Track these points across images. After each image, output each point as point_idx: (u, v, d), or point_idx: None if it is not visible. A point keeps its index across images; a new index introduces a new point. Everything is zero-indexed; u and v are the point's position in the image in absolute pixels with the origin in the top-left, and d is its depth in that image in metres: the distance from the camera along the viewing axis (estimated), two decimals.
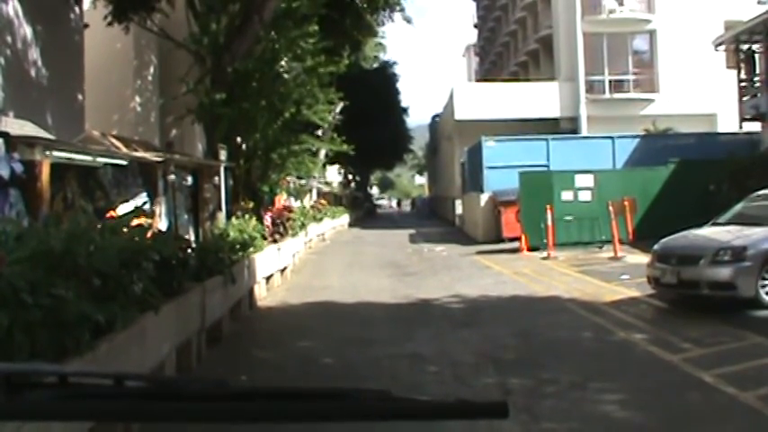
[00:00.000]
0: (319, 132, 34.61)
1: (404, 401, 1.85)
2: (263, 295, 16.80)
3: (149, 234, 8.66)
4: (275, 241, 19.40)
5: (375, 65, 62.28)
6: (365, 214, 70.55)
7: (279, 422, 1.76)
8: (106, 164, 12.99)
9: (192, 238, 15.68)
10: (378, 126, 58.22)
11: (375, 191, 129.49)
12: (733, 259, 12.58)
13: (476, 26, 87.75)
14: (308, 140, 21.94)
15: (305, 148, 22.03)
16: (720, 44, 31.36)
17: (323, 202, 40.42)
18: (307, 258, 26.59)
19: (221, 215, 17.88)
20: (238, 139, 20.47)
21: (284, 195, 27.59)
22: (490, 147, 31.34)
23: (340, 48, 26.73)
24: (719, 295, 12.77)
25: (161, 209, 14.89)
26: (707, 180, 23.94)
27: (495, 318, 13.35)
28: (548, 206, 23.71)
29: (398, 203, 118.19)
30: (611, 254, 21.93)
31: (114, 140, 16.19)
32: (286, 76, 20.71)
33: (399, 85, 72.51)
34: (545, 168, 29.46)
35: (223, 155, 18.81)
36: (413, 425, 1.80)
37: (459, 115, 43.76)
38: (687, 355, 9.60)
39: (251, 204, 20.13)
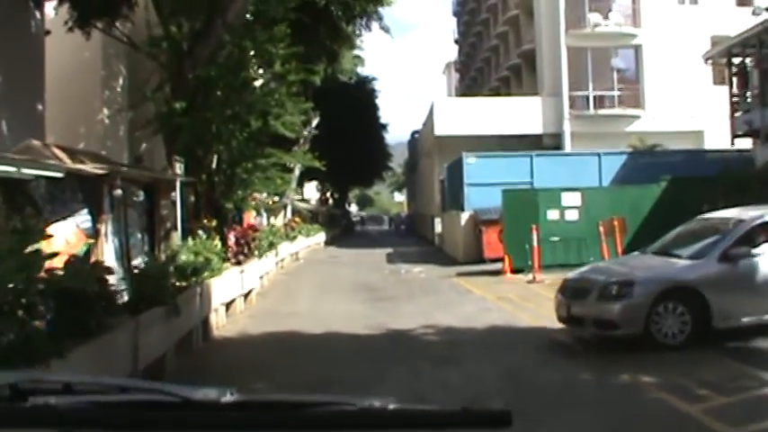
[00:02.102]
0: (296, 148, 33.42)
1: (407, 410, 1.93)
2: (222, 323, 15.25)
3: (64, 261, 7.08)
4: (239, 263, 17.84)
5: (353, 79, 60.98)
6: (343, 232, 69.15)
7: (282, 430, 1.86)
8: (38, 176, 11.38)
9: (142, 261, 14.05)
10: (356, 142, 57.28)
11: (354, 208, 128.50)
12: (618, 295, 11.67)
13: (456, 42, 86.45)
14: (276, 154, 20.33)
15: (272, 162, 20.44)
16: (711, 58, 30.10)
17: (296, 219, 38.82)
18: (277, 279, 25.06)
19: (176, 235, 16.27)
20: (200, 152, 18.90)
21: (253, 213, 25.98)
22: (471, 163, 30.03)
23: (315, 58, 25.47)
24: (604, 334, 11.84)
25: (106, 228, 13.26)
26: (701, 198, 22.53)
27: (478, 353, 11.83)
28: (533, 226, 22.30)
29: (361, 221, 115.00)
30: None
31: (57, 151, 14.53)
32: (255, 84, 19.15)
33: (379, 102, 71.05)
34: (529, 186, 28.28)
35: (180, 168, 17.25)
36: None
37: (438, 131, 42.33)
38: (709, 406, 8.12)
39: (213, 223, 18.57)
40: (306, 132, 44.69)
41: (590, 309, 11.81)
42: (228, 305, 15.99)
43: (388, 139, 72.77)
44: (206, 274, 13.71)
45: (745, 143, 29.07)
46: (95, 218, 13.08)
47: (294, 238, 33.95)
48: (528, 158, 30.23)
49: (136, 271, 11.89)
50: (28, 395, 1.93)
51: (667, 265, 12.54)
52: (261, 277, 21.97)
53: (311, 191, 75.99)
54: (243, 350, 13.24)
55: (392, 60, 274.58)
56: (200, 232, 17.64)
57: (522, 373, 10.35)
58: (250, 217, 24.85)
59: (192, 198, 18.74)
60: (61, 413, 1.90)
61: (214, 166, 19.47)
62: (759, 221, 12.46)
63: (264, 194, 29.18)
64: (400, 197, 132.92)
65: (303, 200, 66.89)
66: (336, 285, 23.31)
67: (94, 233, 12.81)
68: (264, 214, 31.68)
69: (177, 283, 12.01)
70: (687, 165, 28.49)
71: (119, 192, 13.42)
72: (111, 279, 8.77)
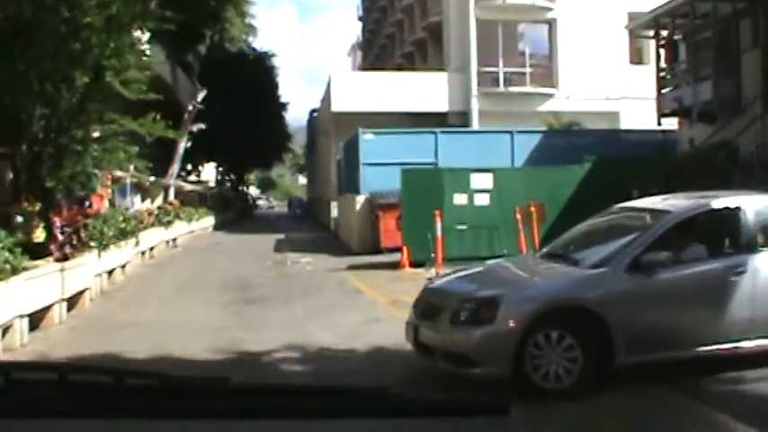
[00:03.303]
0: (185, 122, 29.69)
1: (404, 399, 1.95)
2: (25, 341, 11.42)
3: None
4: (65, 257, 13.95)
5: (250, 53, 57.28)
6: (238, 216, 65.35)
7: (280, 419, 1.85)
8: None
9: None
10: (254, 121, 53.58)
11: (254, 191, 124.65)
12: (475, 319, 8.11)
13: (360, 19, 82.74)
14: (118, 120, 16.29)
15: (114, 130, 16.45)
16: (634, 29, 27.22)
17: (174, 202, 34.66)
18: (136, 274, 21.18)
19: None
20: (23, 117, 14.92)
21: (108, 194, 21.96)
22: (368, 140, 26.68)
23: (201, 24, 22.07)
24: (459, 373, 8.10)
25: None
26: (630, 182, 19.64)
27: None
28: (436, 212, 18.93)
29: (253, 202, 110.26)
30: None
31: None
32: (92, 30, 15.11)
33: (281, 81, 67.29)
34: (433, 166, 24.98)
35: None
36: None
37: (336, 107, 38.65)
38: None
39: (37, 206, 14.65)
40: (190, 107, 40.93)
41: (441, 335, 8.36)
42: (37, 315, 12.15)
43: (293, 123, 69.46)
44: None
45: (671, 123, 26.36)
46: None
47: (169, 223, 29.97)
48: (432, 136, 27.03)
49: None
50: (22, 384, 1.91)
51: (554, 276, 9.15)
52: (110, 272, 18.17)
53: (213, 173, 72.30)
54: None
55: (299, 44, 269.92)
56: (19, 218, 13.83)
57: None
58: (103, 200, 20.78)
59: (11, 175, 14.79)
60: (56, 402, 1.87)
61: (42, 135, 15.48)
62: (690, 215, 9.11)
63: (134, 172, 25.28)
64: (304, 180, 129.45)
65: (200, 181, 63.29)
66: (204, 281, 19.64)
67: None
68: (131, 196, 27.61)
69: None
70: (608, 145, 25.81)
71: None
72: None
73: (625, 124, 35.15)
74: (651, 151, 21.92)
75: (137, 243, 21.92)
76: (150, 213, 27.47)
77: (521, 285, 9.08)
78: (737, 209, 8.88)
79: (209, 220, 45.30)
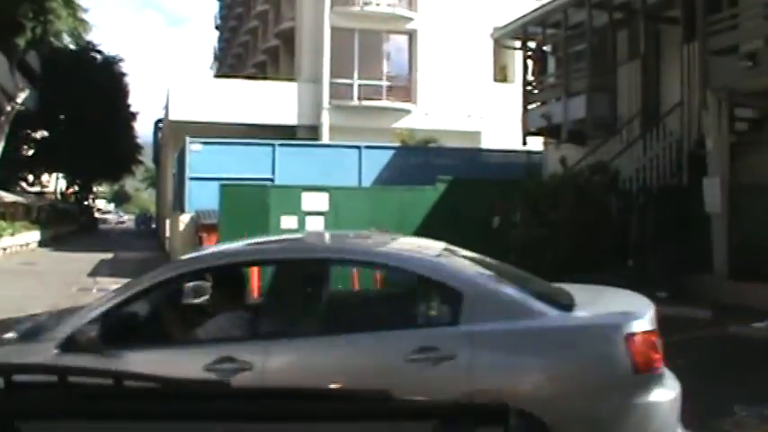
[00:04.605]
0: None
1: (404, 402, 2.03)
2: None
3: None
4: None
5: (95, 52, 53.52)
6: (80, 230, 60.92)
7: (280, 421, 1.89)
8: None
9: None
10: (100, 129, 49.87)
11: (104, 204, 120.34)
12: None
13: (218, 28, 78.68)
14: None
15: None
16: (500, 38, 24.56)
17: None
18: None
19: None
20: None
21: None
22: (196, 151, 23.42)
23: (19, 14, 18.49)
24: None
25: None
26: (492, 207, 16.84)
27: None
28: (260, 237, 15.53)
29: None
30: None
31: None
32: None
33: (131, 88, 63.23)
34: (270, 183, 21.83)
35: None
36: None
37: (174, 115, 35.01)
38: None
39: None
40: (9, 108, 36.47)
41: None
42: None
43: (149, 135, 65.21)
44: None
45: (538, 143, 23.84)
46: None
47: None
48: (270, 148, 23.87)
49: None
50: (23, 385, 1.90)
51: None
52: None
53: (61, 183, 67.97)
54: None
55: (165, 53, 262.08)
56: None
57: None
58: None
59: None
60: (56, 404, 1.87)
61: None
62: (183, 270, 5.96)
63: None
64: None
65: (42, 192, 59.36)
66: None
67: None
68: None
69: None
70: (469, 166, 24.06)
71: None
72: None
73: (487, 145, 32.67)
74: (516, 173, 19.31)
75: None
76: None
77: None
78: None
79: (32, 236, 41.38)
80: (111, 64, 57.49)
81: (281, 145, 24.34)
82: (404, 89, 36.38)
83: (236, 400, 1.98)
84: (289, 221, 17.04)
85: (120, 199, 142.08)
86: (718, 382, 8.96)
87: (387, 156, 24.53)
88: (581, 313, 5.45)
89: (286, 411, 1.89)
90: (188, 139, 23.78)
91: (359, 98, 35.70)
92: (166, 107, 40.79)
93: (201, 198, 22.24)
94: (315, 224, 17.08)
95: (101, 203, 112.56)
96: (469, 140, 33.34)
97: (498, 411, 1.90)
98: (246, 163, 22.94)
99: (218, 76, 62.59)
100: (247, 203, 17.27)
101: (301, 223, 17.15)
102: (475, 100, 35.23)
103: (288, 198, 17.44)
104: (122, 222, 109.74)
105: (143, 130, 66.92)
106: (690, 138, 17.28)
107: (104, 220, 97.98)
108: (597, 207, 15.26)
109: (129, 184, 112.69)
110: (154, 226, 67.32)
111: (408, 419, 1.90)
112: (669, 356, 5.54)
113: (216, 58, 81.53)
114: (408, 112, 35.36)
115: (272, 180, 22.73)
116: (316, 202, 17.38)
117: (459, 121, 34.68)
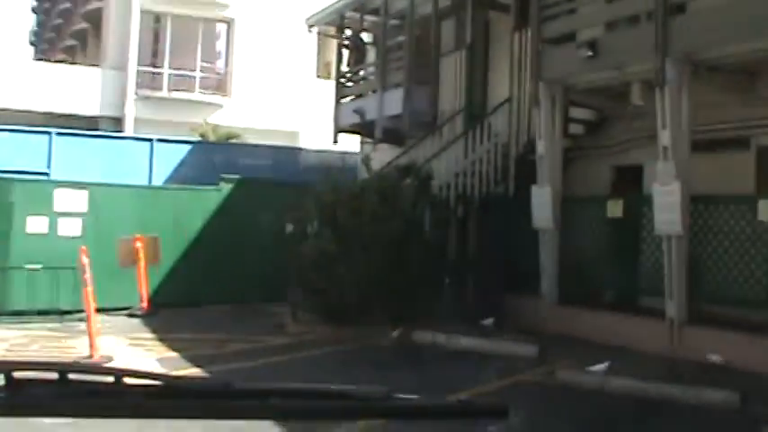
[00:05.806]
0: None
1: (406, 401, 1.86)
2: None
3: None
4: None
5: None
6: None
7: (281, 420, 1.89)
8: None
9: None
10: None
11: None
12: None
13: (34, 11, 72.87)
14: None
15: None
16: (316, 24, 22.21)
17: None
18: None
19: None
20: None
21: None
22: None
23: None
24: None
25: None
26: (286, 214, 14.28)
27: None
28: None
29: None
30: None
31: None
32: None
33: None
34: (46, 177, 18.78)
35: None
36: None
37: None
38: None
39: None
40: None
41: None
42: None
43: None
44: None
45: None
46: None
47: None
48: (46, 137, 20.51)
49: None
50: (24, 383, 1.81)
51: None
52: None
53: None
54: None
55: None
56: None
57: None
58: None
59: None
60: (57, 402, 1.80)
61: None
62: None
63: None
64: None
65: None
66: None
67: None
68: None
69: None
70: (281, 166, 21.95)
71: None
72: None
73: (306, 145, 30.13)
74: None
75: None
76: None
77: None
78: None
79: None
80: None
81: (60, 134, 21.06)
82: (219, 82, 33.61)
83: (235, 398, 1.77)
84: (37, 224, 13.99)
85: None
86: None
87: (184, 151, 21.74)
88: None
89: (286, 409, 1.82)
90: None
91: (169, 89, 32.51)
92: None
93: None
94: (70, 228, 14.06)
95: None
96: (288, 140, 30.77)
97: (499, 409, 1.81)
98: (17, 153, 19.64)
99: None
100: None
101: (53, 226, 14.13)
102: (295, 97, 32.65)
103: (37, 194, 14.51)
104: None
105: None
106: (518, 140, 15.28)
107: None
108: (406, 217, 12.97)
109: None
110: None
111: (411, 418, 1.86)
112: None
113: (31, 43, 75.77)
114: (220, 106, 32.44)
115: (47, 174, 19.60)
116: (72, 201, 14.38)
117: (276, 119, 32.03)
